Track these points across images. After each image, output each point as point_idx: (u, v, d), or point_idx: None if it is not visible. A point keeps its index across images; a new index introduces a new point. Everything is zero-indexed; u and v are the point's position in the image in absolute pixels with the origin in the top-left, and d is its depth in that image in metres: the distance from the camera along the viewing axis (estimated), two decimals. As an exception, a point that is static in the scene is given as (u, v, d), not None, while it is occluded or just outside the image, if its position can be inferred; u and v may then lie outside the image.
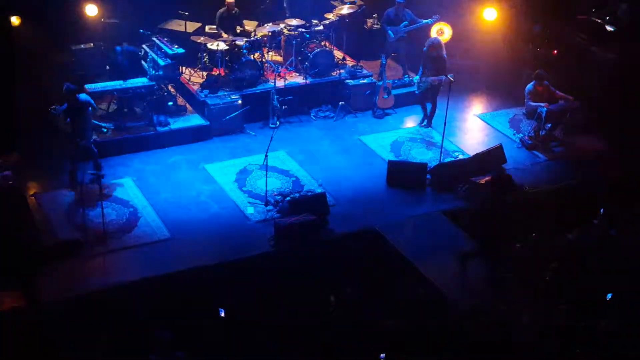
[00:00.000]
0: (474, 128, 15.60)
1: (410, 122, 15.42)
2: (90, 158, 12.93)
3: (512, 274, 11.19)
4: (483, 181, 13.05)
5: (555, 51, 16.41)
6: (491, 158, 13.81)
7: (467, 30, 16.72)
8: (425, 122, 15.18)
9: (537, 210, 12.23)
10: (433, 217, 12.66)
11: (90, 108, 12.82)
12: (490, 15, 15.97)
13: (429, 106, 15.06)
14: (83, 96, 12.82)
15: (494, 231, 11.27)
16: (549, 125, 14.66)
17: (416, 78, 14.96)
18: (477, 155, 13.87)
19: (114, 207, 12.50)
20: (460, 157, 14.21)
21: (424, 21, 16.02)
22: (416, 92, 15.04)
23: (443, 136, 13.85)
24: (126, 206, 12.57)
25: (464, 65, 16.70)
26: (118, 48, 14.73)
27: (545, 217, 11.99)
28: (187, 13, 15.87)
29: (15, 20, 13.99)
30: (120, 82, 14.19)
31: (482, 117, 15.90)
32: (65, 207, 12.42)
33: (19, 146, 12.58)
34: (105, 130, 13.76)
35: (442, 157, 13.81)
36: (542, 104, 14.34)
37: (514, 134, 15.12)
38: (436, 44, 14.64)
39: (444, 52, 14.69)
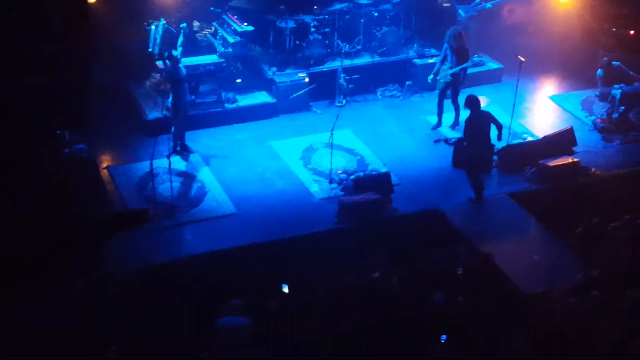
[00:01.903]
0: (544, 110, 15.32)
1: (479, 103, 15.21)
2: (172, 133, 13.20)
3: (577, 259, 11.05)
4: (552, 164, 12.83)
5: (632, 32, 15.91)
6: (561, 140, 13.55)
7: (540, 9, 16.35)
8: (436, 125, 14.32)
9: (605, 194, 11.98)
10: (499, 199, 12.52)
11: (186, 84, 13.08)
12: (564, -5, 15.47)
13: (448, 104, 14.23)
14: (184, 70, 13.07)
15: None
16: (623, 107, 14.27)
17: (430, 77, 14.13)
18: (546, 138, 13.63)
19: (182, 181, 12.75)
20: (529, 139, 13.98)
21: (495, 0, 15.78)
22: (438, 89, 14.21)
23: (512, 117, 13.63)
24: (194, 181, 12.81)
25: (536, 45, 16.36)
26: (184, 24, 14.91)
27: (613, 201, 11.74)
28: None
29: (91, -2, 14.29)
30: (190, 58, 14.37)
31: (553, 99, 15.59)
32: (136, 180, 12.72)
33: (94, 120, 12.96)
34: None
35: (510, 139, 13.60)
36: (616, 86, 13.97)
37: (586, 117, 14.81)
38: (456, 35, 13.87)
39: (465, 42, 13.95)
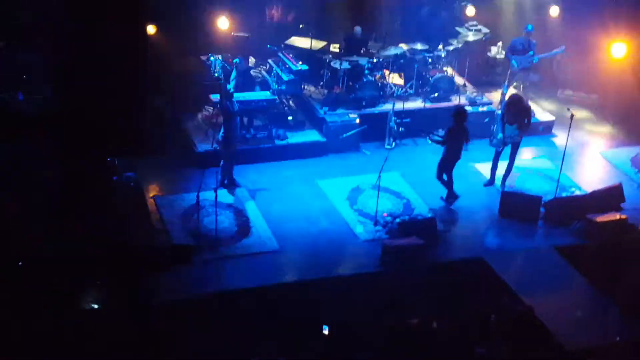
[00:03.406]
0: (593, 164, 15.17)
1: (527, 153, 15.14)
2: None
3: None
4: (600, 219, 12.68)
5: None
6: (609, 196, 13.40)
7: (594, 64, 16.29)
8: (489, 182, 14.04)
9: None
10: (544, 252, 12.40)
11: (238, 118, 13.32)
12: (618, 52, 15.11)
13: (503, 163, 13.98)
14: (236, 105, 13.31)
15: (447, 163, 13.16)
16: (675, 167, 14.09)
17: (500, 135, 13.63)
18: (594, 193, 13.50)
19: (227, 215, 12.86)
20: (577, 192, 13.87)
21: (552, 52, 15.87)
22: (498, 149, 13.76)
23: (560, 170, 13.53)
24: (239, 215, 12.91)
25: (589, 99, 16.27)
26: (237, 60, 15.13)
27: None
28: (301, 26, 16.20)
29: (151, 30, 14.65)
30: (243, 94, 14.55)
31: (603, 154, 15.45)
32: (181, 212, 12.84)
33: (146, 149, 13.17)
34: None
35: (558, 192, 13.50)
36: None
37: (636, 173, 14.61)
38: (515, 101, 13.67)
39: (526, 103, 13.91)
